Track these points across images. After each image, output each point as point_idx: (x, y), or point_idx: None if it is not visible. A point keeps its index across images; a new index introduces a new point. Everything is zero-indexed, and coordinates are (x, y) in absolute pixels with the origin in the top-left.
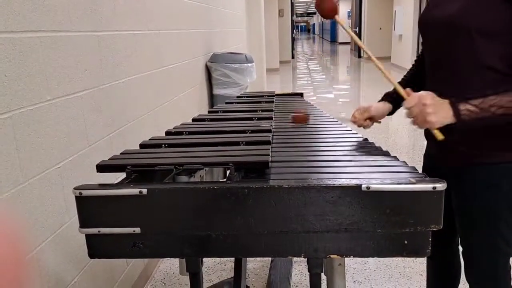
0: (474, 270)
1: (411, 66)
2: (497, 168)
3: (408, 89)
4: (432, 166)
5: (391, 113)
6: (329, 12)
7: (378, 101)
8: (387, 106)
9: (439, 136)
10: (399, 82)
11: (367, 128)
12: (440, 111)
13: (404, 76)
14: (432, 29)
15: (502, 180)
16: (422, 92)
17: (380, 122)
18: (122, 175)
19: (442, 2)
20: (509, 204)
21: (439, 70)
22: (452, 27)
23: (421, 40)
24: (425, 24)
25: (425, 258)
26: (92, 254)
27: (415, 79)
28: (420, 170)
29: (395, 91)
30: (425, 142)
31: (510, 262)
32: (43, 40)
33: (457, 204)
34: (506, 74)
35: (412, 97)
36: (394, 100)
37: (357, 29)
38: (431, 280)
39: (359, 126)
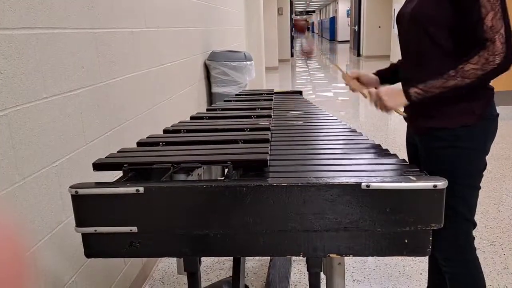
0: (437, 237)
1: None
2: (450, 131)
3: (368, 90)
4: (410, 140)
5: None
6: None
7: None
8: (375, 77)
9: (401, 113)
10: (385, 68)
11: (352, 89)
12: (393, 97)
13: (386, 68)
14: (402, 22)
15: (456, 143)
16: (379, 88)
17: (366, 96)
18: (119, 174)
19: (411, 0)
20: (464, 166)
21: (407, 56)
22: (413, 20)
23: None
24: (398, 19)
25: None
26: (88, 254)
27: (395, 71)
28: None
29: (385, 70)
30: None
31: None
32: (40, 37)
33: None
34: (455, 53)
35: (371, 94)
36: (382, 75)
37: (356, 28)
38: (431, 272)
39: (346, 84)
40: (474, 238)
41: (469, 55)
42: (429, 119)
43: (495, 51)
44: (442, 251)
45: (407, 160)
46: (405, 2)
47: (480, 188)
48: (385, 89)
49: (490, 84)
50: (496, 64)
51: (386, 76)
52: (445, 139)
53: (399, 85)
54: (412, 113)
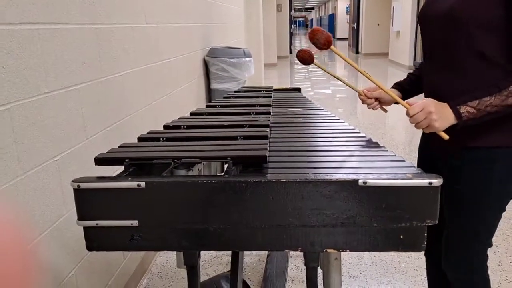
0: (451, 256)
1: (413, 64)
2: (488, 151)
3: (408, 100)
4: (426, 153)
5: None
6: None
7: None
8: (396, 93)
9: (445, 136)
10: (404, 79)
11: (371, 108)
12: (443, 117)
13: (410, 74)
14: (430, 23)
15: (492, 165)
16: (424, 100)
17: (386, 110)
18: (120, 168)
19: None
20: (497, 189)
21: (436, 62)
22: (450, 20)
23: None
24: (424, 19)
25: (423, 253)
26: (90, 247)
27: (418, 79)
28: (417, 165)
29: (406, 82)
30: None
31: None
32: (42, 32)
33: (446, 192)
34: (499, 64)
35: (416, 106)
36: (403, 89)
37: (355, 25)
38: (431, 275)
39: (363, 103)
40: (487, 257)
41: None
42: (463, 136)
43: None
44: (454, 270)
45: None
46: (429, 0)
47: (505, 210)
48: (433, 104)
49: None
50: None
51: (406, 88)
52: (479, 159)
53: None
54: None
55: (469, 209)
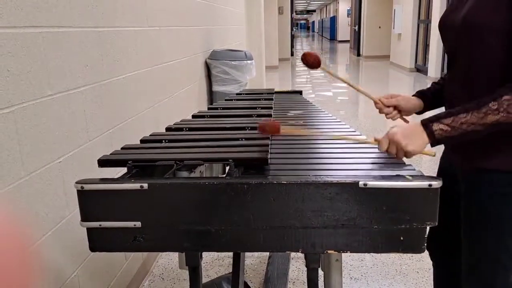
0: (472, 281)
1: (414, 67)
2: (506, 175)
3: (374, 137)
4: (447, 168)
5: (421, 111)
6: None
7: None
8: (418, 101)
9: (431, 154)
10: (428, 88)
11: (390, 117)
12: (414, 139)
13: (434, 83)
14: (449, 32)
15: (511, 189)
16: (389, 132)
17: (407, 121)
18: (123, 170)
19: (459, 5)
20: None
21: (454, 70)
22: (464, 28)
23: (422, 40)
24: (442, 28)
25: (424, 255)
26: (93, 248)
27: (442, 88)
28: (417, 168)
29: (429, 90)
30: None
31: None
32: (45, 35)
33: (465, 210)
34: None
35: (383, 140)
36: (427, 98)
37: (356, 28)
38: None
39: (381, 112)
40: (511, 284)
41: None
42: (481, 157)
43: None
44: None
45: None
46: (449, 6)
47: None
48: (399, 131)
49: None
50: None
51: (429, 97)
52: (497, 183)
53: (419, 118)
54: (461, 145)
55: (489, 234)
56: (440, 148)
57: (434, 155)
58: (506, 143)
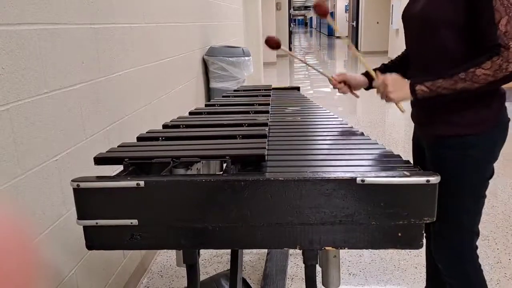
0: (440, 248)
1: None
2: (459, 140)
3: (378, 72)
4: (417, 144)
5: (367, 88)
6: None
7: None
8: (363, 79)
9: (401, 109)
10: (386, 64)
11: (342, 92)
12: (399, 90)
13: (391, 61)
14: (409, 23)
15: (465, 152)
16: (387, 75)
17: (357, 96)
18: (119, 168)
19: None
20: (474, 175)
21: (415, 58)
22: (421, 19)
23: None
24: (404, 19)
25: (422, 251)
26: (89, 246)
27: (400, 63)
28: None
29: (380, 68)
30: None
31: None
32: (40, 32)
33: None
34: (464, 58)
35: (379, 78)
36: (369, 76)
37: (354, 23)
38: (429, 271)
39: (334, 87)
40: (477, 247)
41: (480, 59)
42: (439, 127)
43: (510, 58)
44: (444, 261)
45: (412, 161)
46: (409, 1)
47: (485, 196)
48: (393, 78)
49: (502, 88)
50: (508, 72)
51: (389, 66)
52: (453, 148)
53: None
54: (422, 119)
55: (450, 198)
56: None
57: (404, 111)
58: (458, 113)
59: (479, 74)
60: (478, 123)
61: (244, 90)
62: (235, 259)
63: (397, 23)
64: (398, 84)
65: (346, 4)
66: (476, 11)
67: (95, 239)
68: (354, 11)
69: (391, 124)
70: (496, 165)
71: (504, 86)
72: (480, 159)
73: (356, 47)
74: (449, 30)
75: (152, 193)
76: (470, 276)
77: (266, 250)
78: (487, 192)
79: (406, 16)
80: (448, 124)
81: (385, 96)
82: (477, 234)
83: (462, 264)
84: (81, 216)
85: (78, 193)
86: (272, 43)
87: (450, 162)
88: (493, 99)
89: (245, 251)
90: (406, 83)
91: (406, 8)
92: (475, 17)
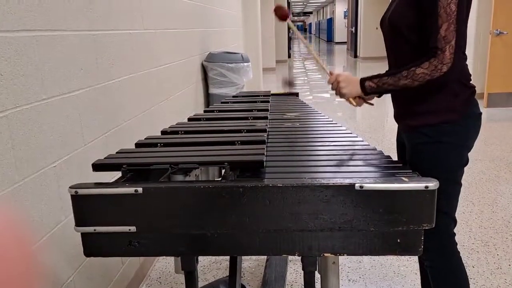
0: None
1: None
2: (431, 129)
3: (331, 70)
4: (399, 141)
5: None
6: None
7: None
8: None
9: (353, 103)
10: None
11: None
12: (350, 86)
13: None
14: (383, 29)
15: (437, 139)
16: (340, 72)
17: (372, 104)
18: (118, 174)
19: (389, 7)
20: (447, 160)
21: (390, 59)
22: (389, 25)
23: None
24: (381, 26)
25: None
26: (87, 253)
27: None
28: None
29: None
30: None
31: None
32: (39, 39)
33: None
34: (421, 49)
35: (332, 76)
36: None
37: (353, 29)
38: (423, 277)
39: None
40: (455, 234)
41: (421, 60)
42: (414, 117)
43: (444, 60)
44: (425, 249)
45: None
46: (386, 10)
47: (461, 184)
48: (345, 75)
49: (470, 82)
50: (443, 73)
51: None
52: (428, 135)
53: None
54: (399, 112)
55: None
56: (386, 109)
57: (355, 106)
58: (426, 103)
59: (418, 73)
60: (449, 113)
61: (243, 96)
62: (234, 266)
63: None
64: (349, 80)
65: (345, 10)
66: (425, 16)
67: (93, 246)
68: (353, 17)
69: (390, 129)
70: (496, 170)
71: (503, 91)
72: (452, 145)
73: (355, 53)
74: (409, 28)
75: (150, 199)
76: (450, 258)
77: (265, 256)
78: (488, 198)
79: (381, 23)
80: (423, 114)
81: (338, 92)
82: (454, 220)
83: (440, 248)
84: (79, 223)
85: (76, 199)
86: (281, 14)
87: (425, 149)
88: (461, 90)
89: (244, 257)
90: (356, 79)
91: (383, 16)
92: (425, 22)
